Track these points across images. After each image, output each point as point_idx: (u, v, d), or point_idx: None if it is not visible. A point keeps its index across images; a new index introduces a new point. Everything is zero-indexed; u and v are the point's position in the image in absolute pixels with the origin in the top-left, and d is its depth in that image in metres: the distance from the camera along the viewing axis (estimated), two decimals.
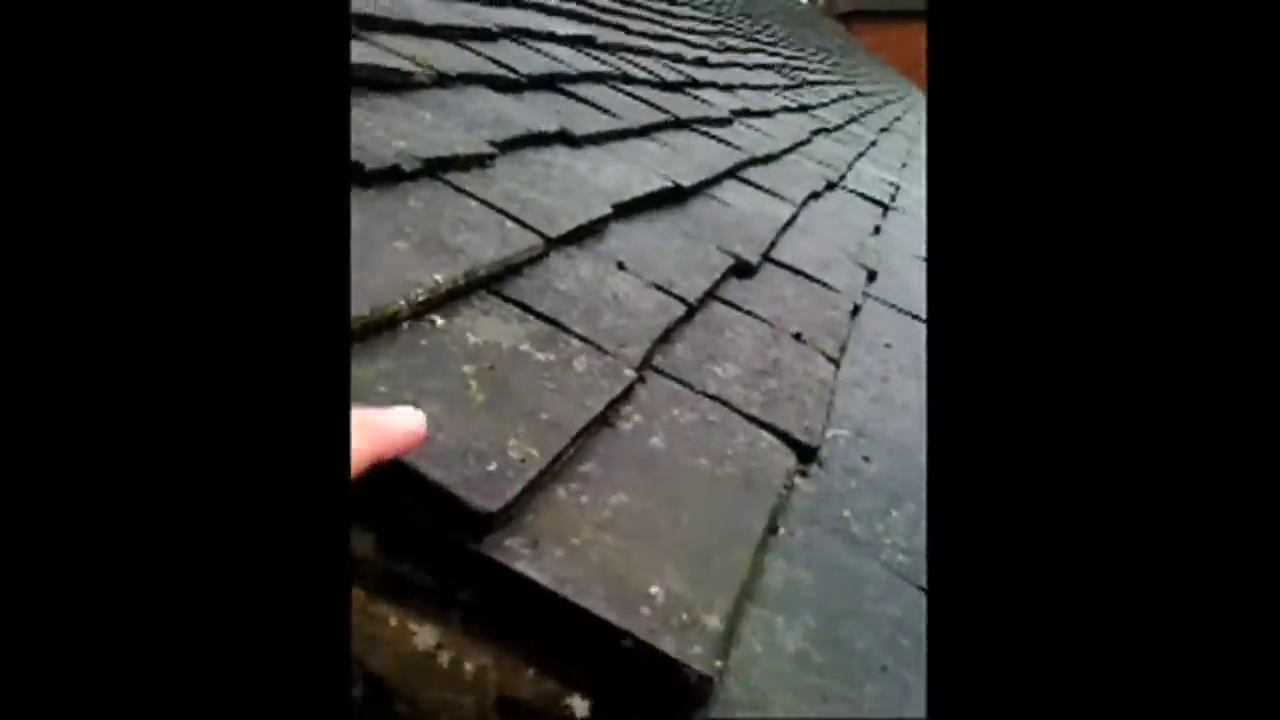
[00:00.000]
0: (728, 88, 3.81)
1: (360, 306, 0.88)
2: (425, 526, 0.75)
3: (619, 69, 2.77)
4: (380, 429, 0.67)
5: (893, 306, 2.04)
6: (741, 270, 1.69)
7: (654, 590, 0.77)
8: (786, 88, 5.15)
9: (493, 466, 0.79)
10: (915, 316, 2.04)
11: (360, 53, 1.58)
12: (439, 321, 0.98)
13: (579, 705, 0.72)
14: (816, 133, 4.05)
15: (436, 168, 1.33)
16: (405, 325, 0.94)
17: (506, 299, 1.12)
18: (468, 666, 0.73)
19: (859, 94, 7.64)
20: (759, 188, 2.39)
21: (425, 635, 0.74)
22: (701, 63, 4.03)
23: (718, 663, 0.74)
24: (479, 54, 2.06)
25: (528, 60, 2.25)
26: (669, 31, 4.34)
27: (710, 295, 1.49)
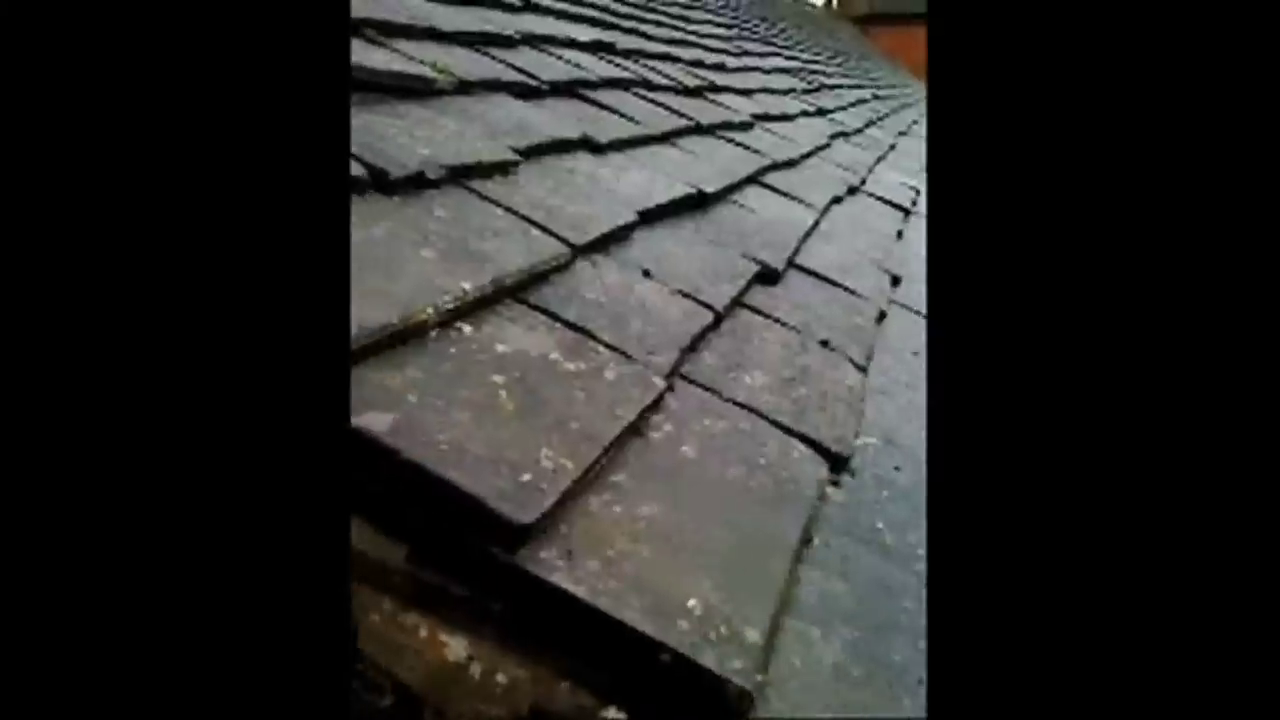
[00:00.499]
0: (746, 92, 3.80)
1: (389, 315, 0.87)
2: (458, 538, 0.74)
3: (639, 75, 2.76)
4: None
5: (917, 312, 2.02)
6: (766, 276, 1.68)
7: (691, 603, 0.76)
8: (804, 91, 5.14)
9: (526, 477, 0.78)
10: None
11: (383, 59, 1.57)
12: (467, 330, 0.97)
13: (615, 718, 0.71)
14: (835, 137, 4.04)
15: (461, 175, 1.32)
16: (433, 334, 0.93)
17: (534, 307, 1.11)
18: (500, 678, 0.72)
19: (876, 97, 7.62)
20: (781, 193, 2.38)
21: (457, 646, 0.73)
22: (720, 67, 4.02)
23: (758, 677, 0.72)
24: (499, 60, 2.06)
25: (548, 66, 2.24)
26: (687, 36, 4.34)
27: (737, 302, 1.48)
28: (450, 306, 0.96)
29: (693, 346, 1.23)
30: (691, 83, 3.15)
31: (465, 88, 1.73)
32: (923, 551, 1.06)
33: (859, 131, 4.81)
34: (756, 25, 7.43)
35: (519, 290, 1.12)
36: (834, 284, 1.85)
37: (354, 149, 1.15)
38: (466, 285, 1.00)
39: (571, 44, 2.66)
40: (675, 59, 3.50)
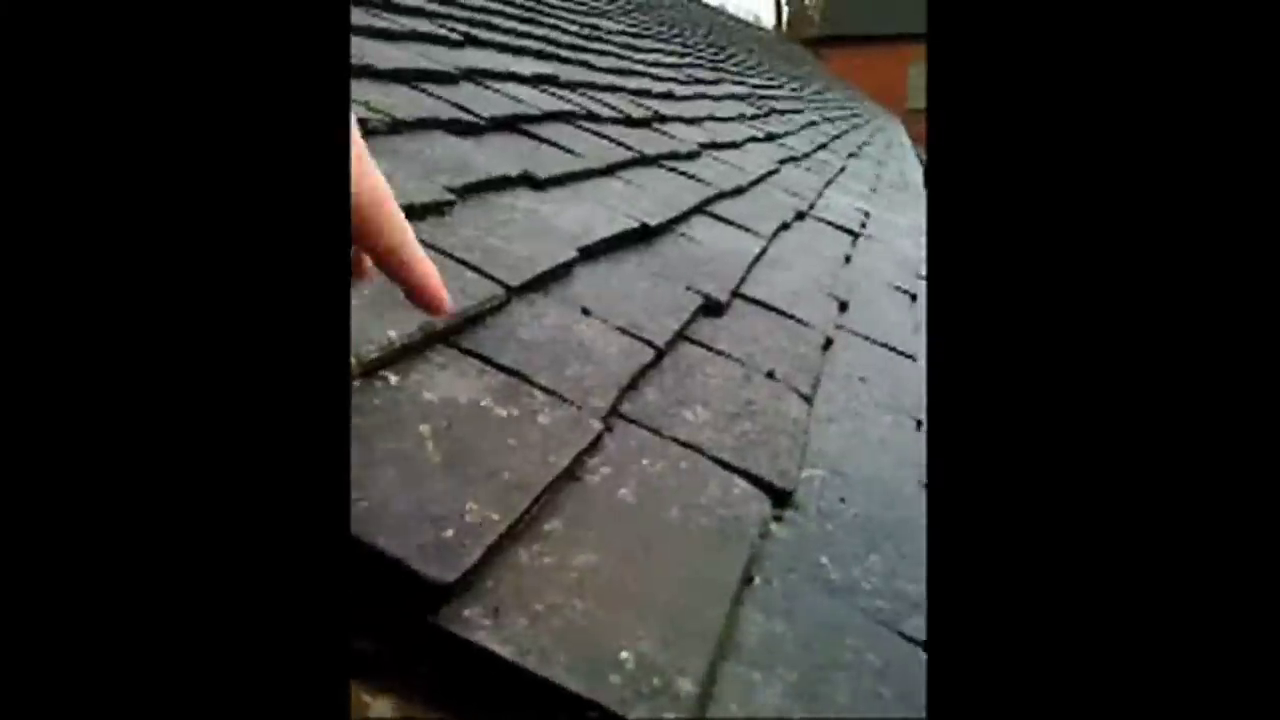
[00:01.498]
0: (695, 121, 3.81)
1: None
2: (382, 600, 0.71)
3: (583, 107, 2.76)
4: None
5: (866, 338, 2.02)
6: (711, 309, 1.67)
7: (624, 655, 0.74)
8: (754, 117, 5.17)
9: (449, 533, 0.76)
10: (888, 347, 2.02)
11: None
12: (393, 379, 0.95)
13: None
14: (785, 162, 4.06)
15: None
16: (357, 384, 0.91)
17: (466, 351, 1.09)
18: None
19: (826, 120, 7.69)
20: (728, 222, 2.37)
21: (381, 708, 0.71)
22: (668, 96, 4.03)
23: None
24: (438, 98, 2.04)
25: (488, 102, 2.23)
26: (634, 66, 4.35)
27: (680, 336, 1.47)
28: (375, 355, 0.94)
29: (632, 385, 1.22)
30: (637, 113, 3.15)
31: (399, 127, 1.72)
32: (869, 586, 1.04)
33: (808, 155, 4.84)
34: (707, 52, 7.48)
35: (451, 334, 1.10)
36: (781, 313, 1.84)
37: None
38: (392, 333, 0.98)
39: (513, 78, 2.65)
40: (621, 89, 3.50)
